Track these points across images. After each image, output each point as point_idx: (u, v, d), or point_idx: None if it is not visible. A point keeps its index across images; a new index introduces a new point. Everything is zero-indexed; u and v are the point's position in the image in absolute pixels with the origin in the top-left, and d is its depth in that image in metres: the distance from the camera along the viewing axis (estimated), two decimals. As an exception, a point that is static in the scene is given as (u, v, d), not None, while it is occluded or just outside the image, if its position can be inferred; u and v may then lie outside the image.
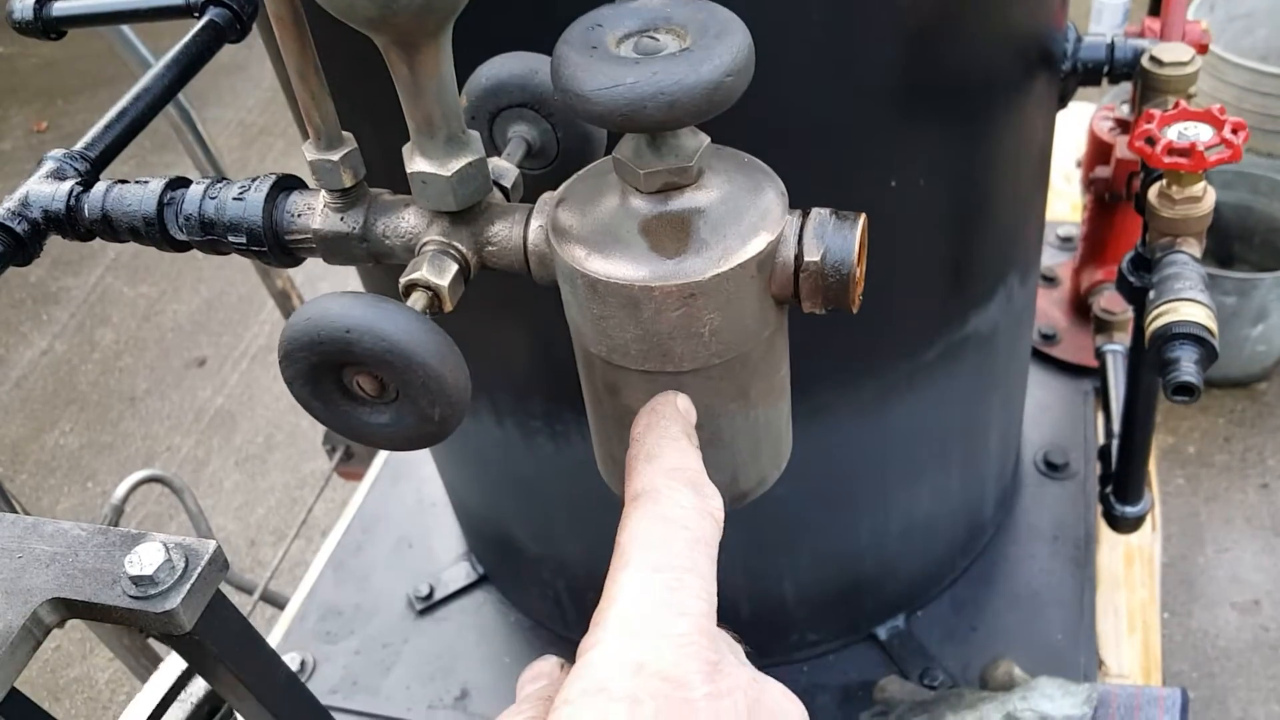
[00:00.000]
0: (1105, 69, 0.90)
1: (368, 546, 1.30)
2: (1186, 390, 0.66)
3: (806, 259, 0.41)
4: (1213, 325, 0.67)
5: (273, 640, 1.22)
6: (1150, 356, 0.68)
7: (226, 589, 1.53)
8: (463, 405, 0.40)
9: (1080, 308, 1.38)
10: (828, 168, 0.74)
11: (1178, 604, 1.84)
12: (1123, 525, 1.06)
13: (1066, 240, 1.54)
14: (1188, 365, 0.66)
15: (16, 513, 1.33)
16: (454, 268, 0.44)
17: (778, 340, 0.46)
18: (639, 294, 0.40)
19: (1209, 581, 1.89)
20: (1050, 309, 1.42)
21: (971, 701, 0.95)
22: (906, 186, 0.77)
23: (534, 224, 0.45)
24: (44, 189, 0.50)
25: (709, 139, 0.42)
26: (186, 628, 0.49)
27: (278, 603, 1.71)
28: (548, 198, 0.45)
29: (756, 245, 0.41)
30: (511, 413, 0.93)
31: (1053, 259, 1.51)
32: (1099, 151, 1.20)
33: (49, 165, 0.52)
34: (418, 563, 1.27)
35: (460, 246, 0.44)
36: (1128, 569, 1.18)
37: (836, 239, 0.41)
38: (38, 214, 0.50)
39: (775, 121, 0.68)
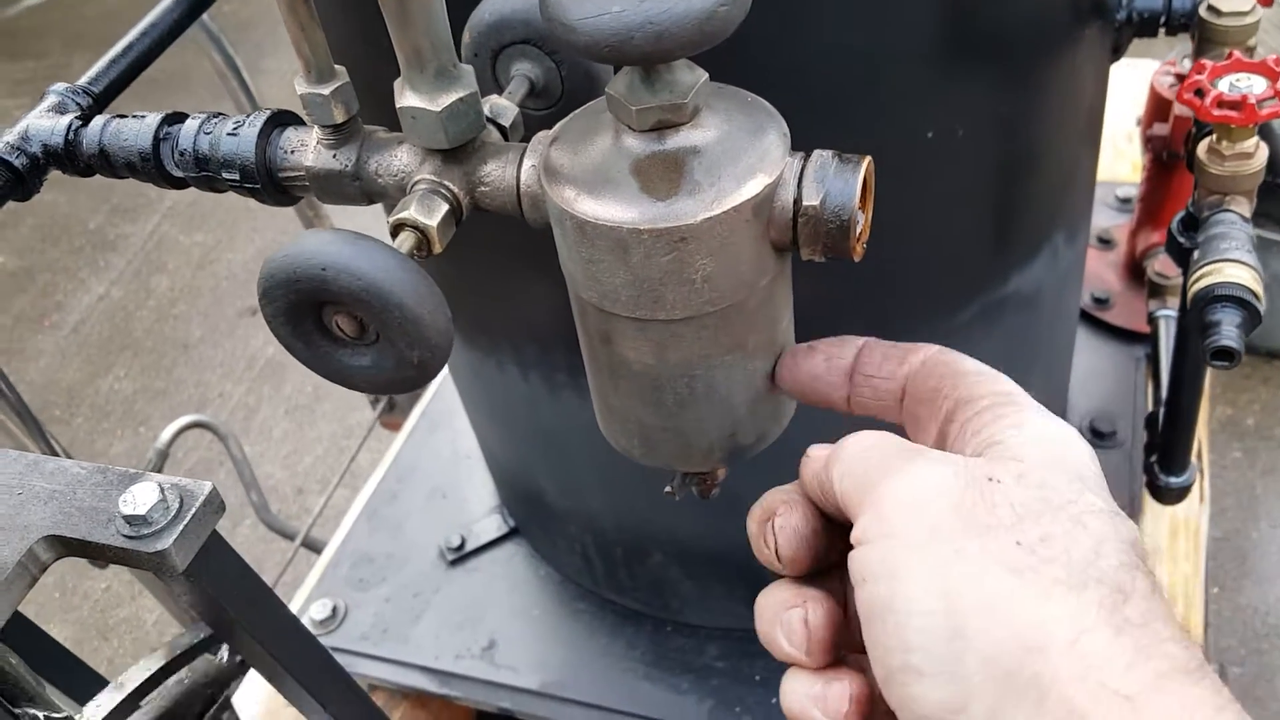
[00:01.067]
0: (1162, 19, 0.86)
1: (402, 496, 1.31)
2: (1226, 355, 0.63)
3: (805, 203, 0.39)
4: (1258, 288, 0.64)
5: (306, 586, 1.24)
6: (1192, 319, 0.65)
7: (271, 536, 1.54)
8: (443, 349, 0.39)
9: (1135, 271, 1.33)
10: (857, 116, 0.71)
11: (1229, 579, 1.79)
12: (1166, 496, 1.03)
13: (1125, 201, 1.48)
14: (1229, 329, 0.63)
15: (57, 454, 1.36)
16: (444, 208, 0.42)
17: (778, 289, 0.44)
18: (628, 237, 0.38)
19: (1262, 557, 1.84)
20: (1104, 272, 1.37)
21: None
22: (943, 137, 0.74)
23: (527, 164, 0.43)
24: (44, 123, 0.50)
25: (706, 75, 0.40)
26: (179, 568, 0.49)
27: (318, 549, 1.74)
28: (542, 137, 0.44)
29: (753, 188, 0.39)
30: (536, 365, 0.92)
31: (1110, 220, 1.46)
32: (1158, 108, 1.15)
33: (51, 99, 0.51)
34: (450, 514, 1.27)
35: (452, 186, 0.43)
36: (1172, 541, 1.15)
37: (837, 182, 0.39)
38: (37, 148, 0.50)
39: (802, 67, 0.66)
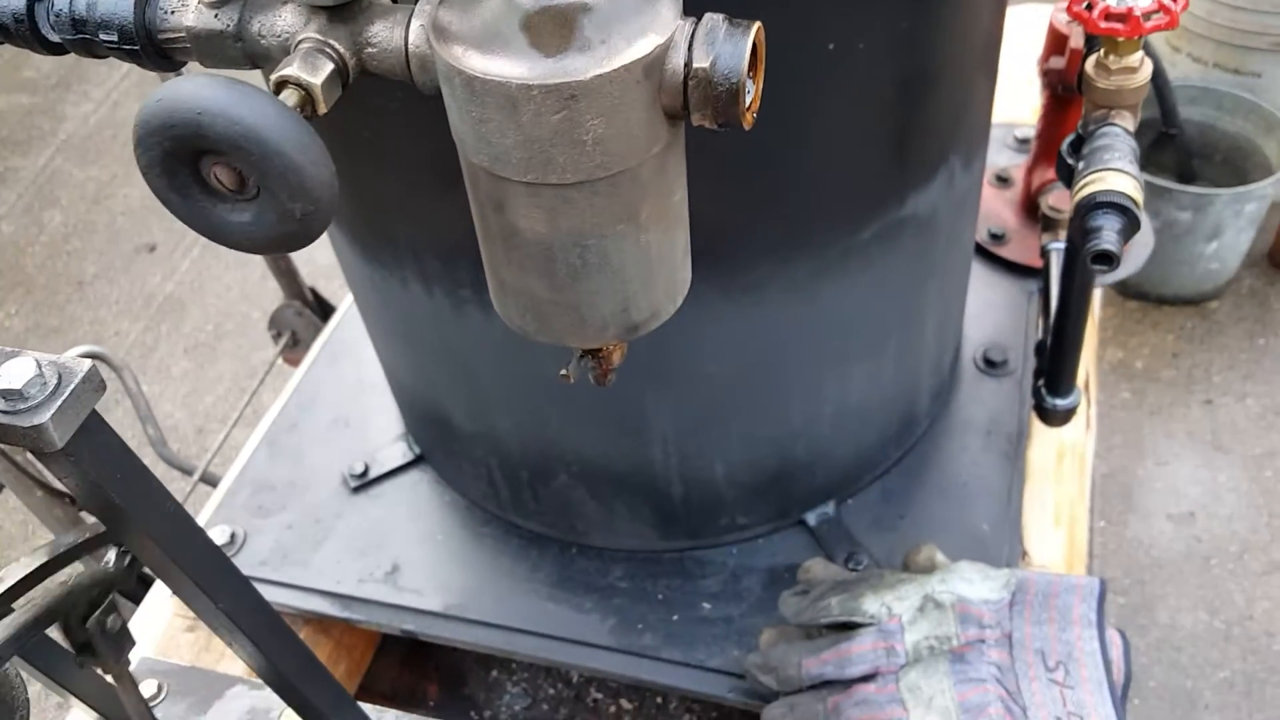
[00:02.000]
0: (1058, -56, 0.88)
1: (303, 425, 1.29)
2: (1106, 259, 0.65)
3: (695, 65, 0.39)
4: (1137, 195, 0.66)
5: (204, 515, 1.22)
6: (1074, 226, 0.67)
7: (169, 472, 1.51)
8: (327, 203, 0.38)
9: (1031, 209, 1.37)
10: (761, 22, 0.72)
11: (1114, 513, 1.87)
12: (1053, 418, 1.07)
13: (1023, 142, 1.52)
14: (1109, 234, 0.65)
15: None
16: (329, 67, 0.42)
17: (670, 159, 0.44)
18: (517, 93, 0.38)
19: (1146, 493, 1.92)
20: (1002, 209, 1.41)
21: (891, 582, 0.96)
22: (845, 50, 0.75)
23: (415, 24, 0.43)
24: (-93, -17, 0.47)
25: (598, -68, 0.39)
26: (57, 444, 0.48)
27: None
28: (430, -4, 0.43)
29: (644, 47, 0.39)
30: (440, 279, 0.91)
31: (1008, 160, 1.49)
32: (1055, 43, 1.17)
33: (-82, -39, 0.49)
34: (354, 442, 1.26)
35: (337, 45, 0.42)
36: (1058, 464, 1.19)
37: (727, 46, 0.39)
38: (-101, 9, 0.47)
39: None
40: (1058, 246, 1.23)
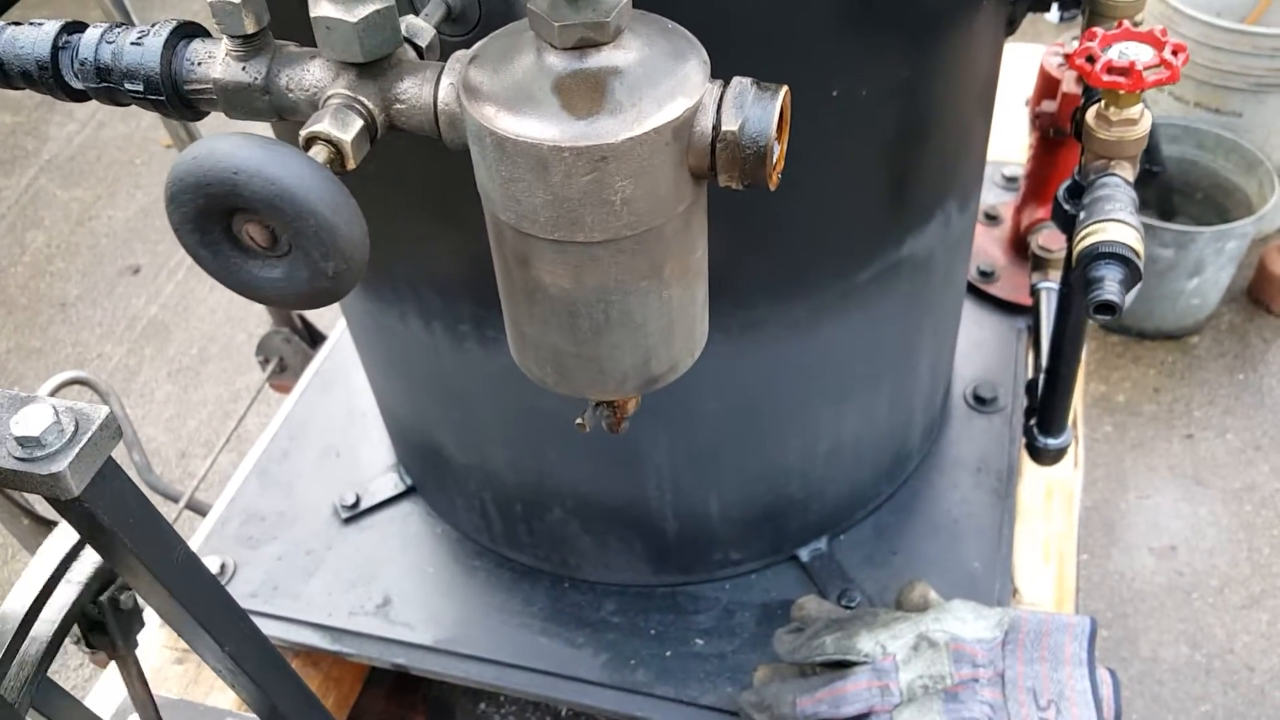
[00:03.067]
0: (1055, -6, 0.89)
1: (294, 454, 1.29)
2: (1108, 309, 0.66)
3: (724, 129, 0.40)
4: (1139, 246, 0.67)
5: (193, 544, 1.21)
6: (1076, 276, 0.68)
7: (154, 498, 1.50)
8: (359, 261, 0.38)
9: (1020, 246, 1.39)
10: (767, 71, 0.72)
11: (1097, 546, 1.88)
12: (1044, 457, 1.08)
13: (1011, 180, 1.54)
14: (1111, 284, 0.66)
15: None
16: (358, 123, 0.42)
17: (694, 217, 0.45)
18: (548, 154, 0.39)
19: (1129, 526, 1.93)
20: (990, 247, 1.43)
21: (885, 621, 0.96)
22: (848, 98, 0.76)
23: (445, 82, 0.43)
24: (-70, 29, 0.47)
25: (629, -4, 0.40)
26: (74, 492, 0.48)
27: (204, 512, 1.69)
28: (460, 55, 0.43)
29: (673, 110, 0.39)
30: (440, 315, 0.91)
31: (996, 198, 1.51)
32: (1047, 86, 1.19)
33: (-61, 6, 0.49)
34: (345, 472, 1.26)
35: (366, 102, 0.43)
36: (1047, 502, 1.20)
37: (756, 109, 0.40)
38: (-76, 56, 0.47)
39: (710, 19, 0.67)
40: (1048, 286, 1.24)
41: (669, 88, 0.40)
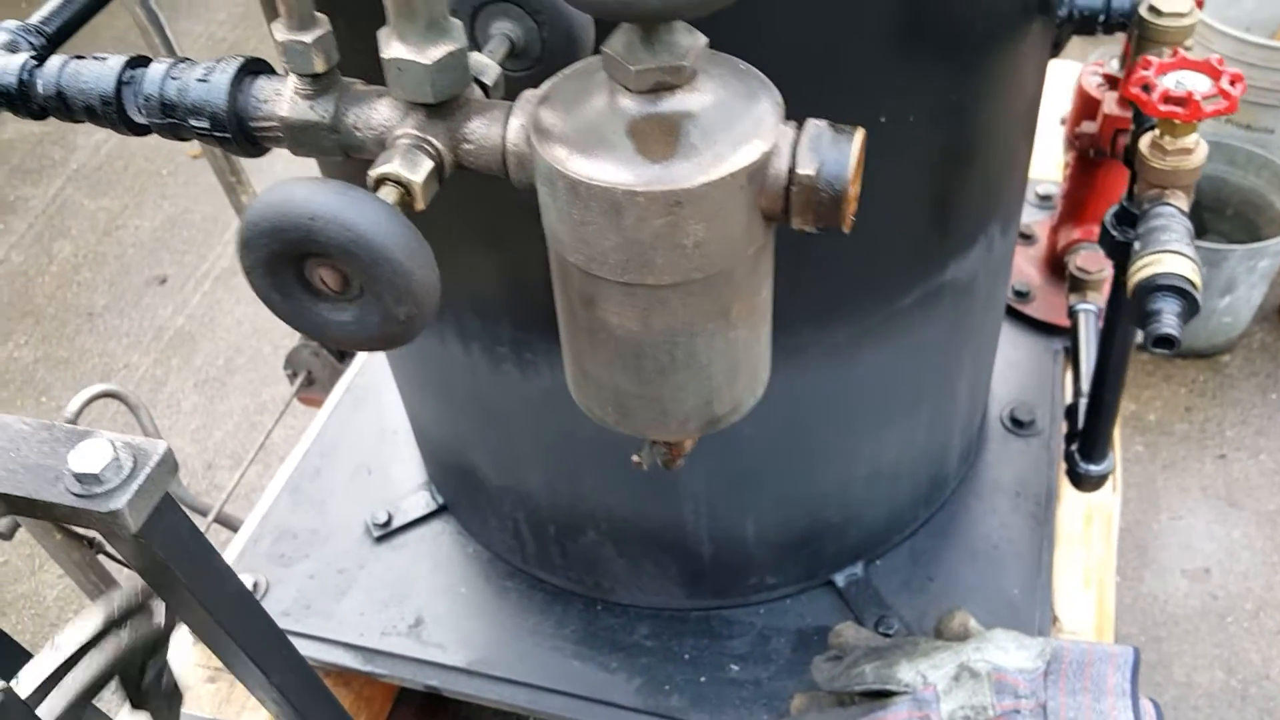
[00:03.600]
0: (1101, 17, 0.89)
1: (326, 472, 1.28)
2: (1167, 342, 0.65)
3: (800, 172, 0.39)
4: (1196, 279, 0.66)
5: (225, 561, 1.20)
6: (1132, 308, 0.67)
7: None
8: (430, 305, 0.38)
9: (1055, 266, 1.37)
10: (817, 97, 0.71)
11: (1129, 568, 1.86)
12: (1086, 483, 1.07)
13: (1045, 199, 1.53)
14: (1169, 317, 0.65)
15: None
16: (428, 164, 0.41)
17: (763, 259, 0.44)
18: (622, 198, 0.38)
19: (1161, 548, 1.92)
20: (1025, 266, 1.41)
21: (926, 650, 0.95)
22: (896, 123, 0.75)
23: (514, 122, 0.42)
24: (-6, 61, 0.47)
25: (705, 39, 0.39)
26: (133, 529, 0.47)
27: (232, 526, 1.69)
28: (530, 95, 0.43)
29: (749, 154, 0.39)
30: (478, 337, 0.91)
31: (1031, 216, 1.50)
32: (1086, 107, 1.18)
33: (1, 37, 0.49)
34: (377, 490, 1.25)
35: (435, 142, 0.42)
36: (1086, 527, 1.19)
37: (833, 153, 0.39)
38: (-14, 88, 0.47)
39: (759, 48, 0.66)
40: (1086, 308, 1.23)
41: (744, 131, 0.39)
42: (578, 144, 0.39)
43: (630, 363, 0.44)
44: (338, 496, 1.25)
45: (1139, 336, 0.70)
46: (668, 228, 0.39)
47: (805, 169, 0.39)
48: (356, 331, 0.39)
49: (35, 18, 0.51)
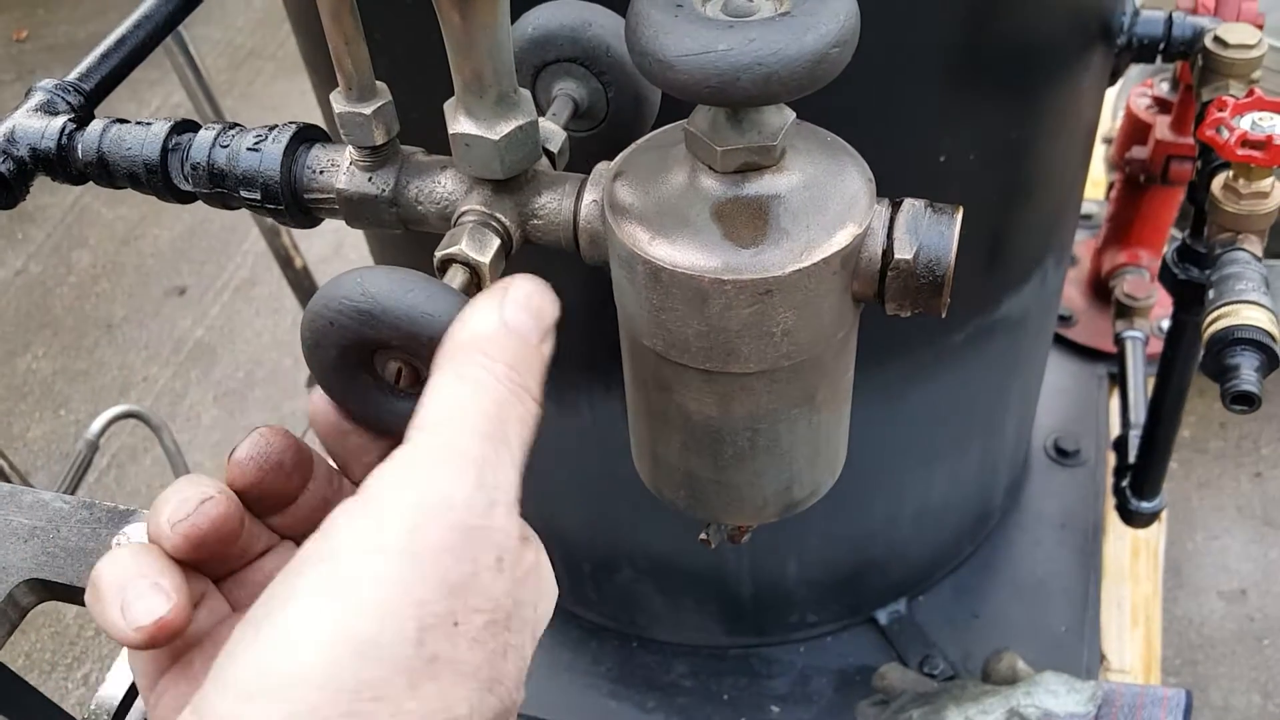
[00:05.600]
0: (1161, 45, 0.85)
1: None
2: (1246, 400, 0.62)
3: (897, 256, 0.37)
4: (1275, 330, 0.63)
5: (252, 592, 1.18)
6: (1208, 362, 0.64)
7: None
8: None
9: (1099, 290, 1.34)
10: (873, 138, 0.69)
11: (1165, 590, 1.82)
12: (1137, 520, 1.04)
13: (1086, 218, 1.49)
14: (1248, 373, 0.62)
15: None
16: (496, 242, 0.39)
17: (850, 341, 0.41)
18: (709, 287, 0.36)
19: (1197, 569, 1.88)
20: (1067, 289, 1.38)
21: (975, 694, 0.92)
22: (956, 161, 0.73)
23: (587, 198, 0.40)
24: (33, 124, 0.45)
25: (794, 115, 0.37)
26: (179, 621, 0.45)
27: (255, 546, 1.67)
28: (603, 169, 0.40)
29: (842, 239, 0.36)
30: (517, 376, 0.88)
31: (1070, 237, 1.47)
32: (1135, 131, 1.15)
33: (38, 97, 0.46)
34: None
35: (503, 218, 0.40)
36: (1134, 562, 1.16)
37: (932, 235, 0.37)
38: (24, 152, 0.45)
39: (822, 90, 0.64)
40: (1133, 335, 1.20)
41: (836, 213, 0.36)
42: (659, 226, 0.36)
43: (707, 448, 0.42)
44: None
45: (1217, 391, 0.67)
46: (755, 316, 0.36)
47: (903, 253, 0.36)
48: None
49: (73, 74, 0.48)
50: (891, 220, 0.37)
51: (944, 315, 0.38)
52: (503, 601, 0.30)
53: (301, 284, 1.84)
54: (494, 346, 0.32)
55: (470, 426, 0.31)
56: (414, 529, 0.28)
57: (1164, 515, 1.24)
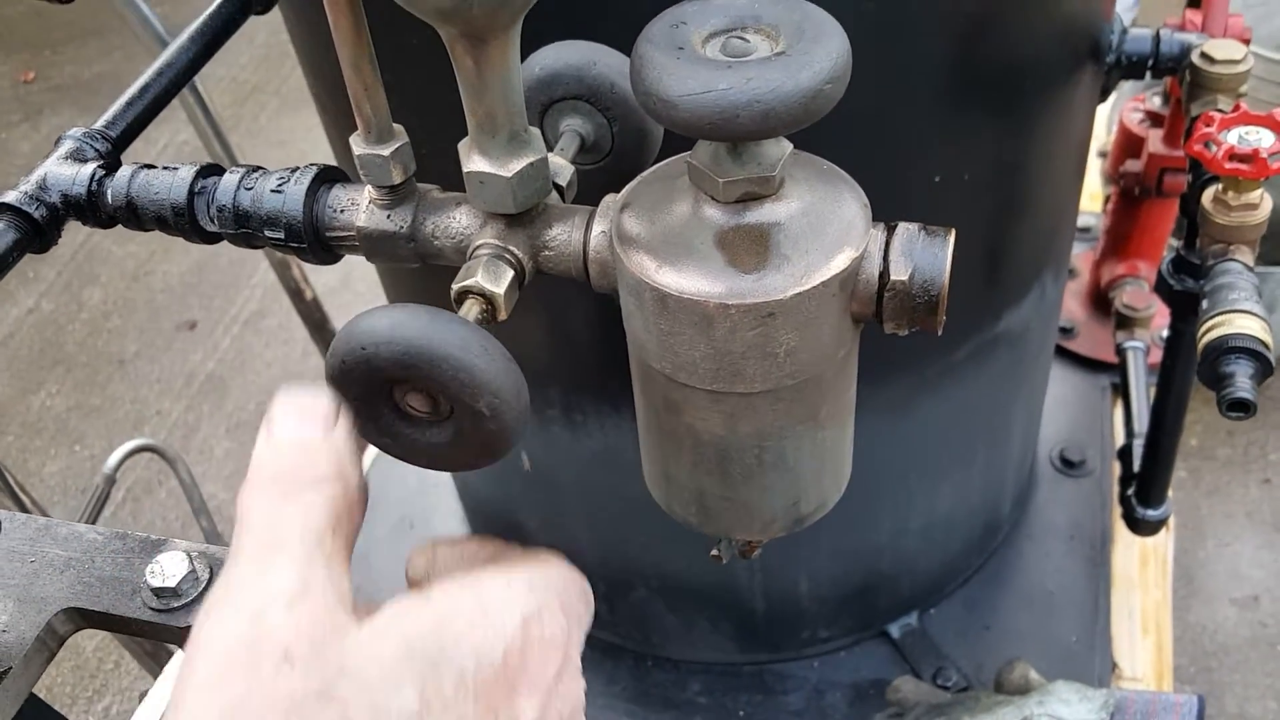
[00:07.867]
0: (1150, 62, 0.87)
1: (367, 526, 1.26)
2: (1242, 407, 0.63)
3: (893, 277, 0.39)
4: (1268, 338, 0.64)
5: (271, 620, 1.20)
6: (1204, 371, 0.65)
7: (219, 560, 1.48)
8: (522, 419, 0.37)
9: (1099, 301, 1.36)
10: (871, 161, 0.71)
11: (1177, 598, 1.83)
12: (1144, 528, 1.05)
13: (1084, 231, 1.51)
14: (1243, 380, 0.63)
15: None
16: (510, 274, 0.41)
17: (851, 359, 0.43)
18: (714, 312, 0.37)
19: (1208, 576, 1.89)
20: (1068, 301, 1.40)
21: (988, 705, 0.93)
22: (950, 182, 0.75)
23: (596, 229, 0.42)
24: (63, 171, 0.47)
25: (792, 146, 0.39)
26: (212, 644, 0.47)
27: (271, 576, 1.69)
28: (611, 201, 0.42)
29: (840, 262, 0.38)
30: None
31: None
32: (1129, 144, 1.17)
33: (67, 145, 0.49)
34: (420, 544, 1.24)
35: (516, 250, 0.42)
36: (1142, 570, 1.17)
37: (926, 256, 0.38)
38: (56, 198, 0.47)
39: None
40: (1134, 345, 1.21)
41: (834, 238, 0.38)
42: (665, 254, 0.38)
43: (716, 466, 0.44)
44: (380, 551, 1.24)
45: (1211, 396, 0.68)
46: (759, 338, 0.38)
47: (899, 274, 0.38)
48: (451, 452, 0.38)
49: (100, 122, 0.50)
50: (887, 243, 0.39)
51: (940, 332, 0.40)
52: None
53: (312, 315, 1.86)
54: (263, 471, 0.36)
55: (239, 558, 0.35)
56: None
57: (1171, 522, 1.25)
